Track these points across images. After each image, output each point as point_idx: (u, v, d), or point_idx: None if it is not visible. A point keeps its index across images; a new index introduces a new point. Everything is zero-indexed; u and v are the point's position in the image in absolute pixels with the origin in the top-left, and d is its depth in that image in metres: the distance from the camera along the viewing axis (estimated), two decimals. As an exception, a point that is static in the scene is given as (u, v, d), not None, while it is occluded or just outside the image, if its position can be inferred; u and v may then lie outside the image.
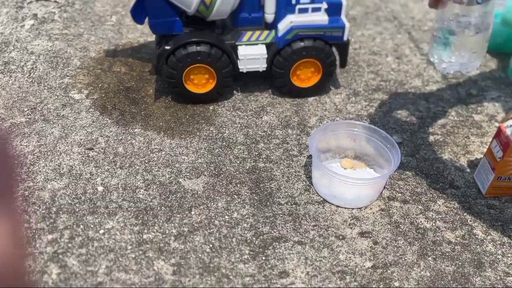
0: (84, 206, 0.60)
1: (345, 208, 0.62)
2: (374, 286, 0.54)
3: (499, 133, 0.61)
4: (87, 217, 0.59)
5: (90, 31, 0.94)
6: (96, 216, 0.59)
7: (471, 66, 0.63)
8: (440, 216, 0.62)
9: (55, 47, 0.89)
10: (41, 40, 0.91)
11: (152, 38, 0.91)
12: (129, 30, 0.95)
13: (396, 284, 0.54)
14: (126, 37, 0.93)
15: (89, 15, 0.99)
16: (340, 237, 0.59)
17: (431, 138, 0.74)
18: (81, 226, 0.58)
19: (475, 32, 0.60)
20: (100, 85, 0.81)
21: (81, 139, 0.70)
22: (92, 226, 0.58)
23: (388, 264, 0.56)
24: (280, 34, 0.73)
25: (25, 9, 0.99)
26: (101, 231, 0.57)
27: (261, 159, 0.69)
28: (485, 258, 0.57)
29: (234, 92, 0.81)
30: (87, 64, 0.85)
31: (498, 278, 0.55)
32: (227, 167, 0.67)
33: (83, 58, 0.87)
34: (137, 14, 0.73)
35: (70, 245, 0.56)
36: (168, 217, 0.60)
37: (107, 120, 0.74)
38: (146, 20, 0.73)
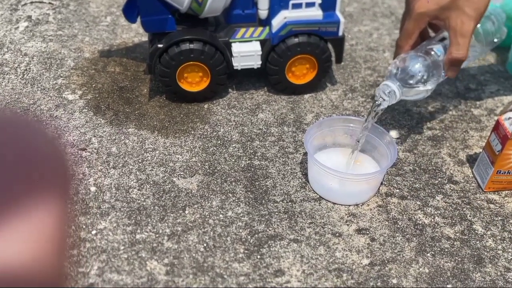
0: (76, 207, 0.59)
1: (341, 205, 0.61)
2: (371, 284, 0.53)
3: (497, 126, 0.60)
4: (79, 218, 0.58)
5: (84, 32, 0.93)
6: (88, 217, 0.58)
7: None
8: (439, 212, 0.61)
9: (49, 48, 0.88)
10: (35, 41, 0.90)
11: (146, 38, 0.90)
12: (123, 30, 0.94)
13: (394, 281, 0.53)
14: (120, 37, 0.92)
15: (84, 16, 0.98)
16: (337, 234, 0.58)
17: (429, 133, 0.73)
18: (73, 227, 0.57)
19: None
20: (94, 85, 0.80)
21: (74, 140, 0.69)
22: (84, 226, 0.57)
23: (386, 261, 0.55)
24: (274, 30, 0.72)
25: (19, 11, 0.99)
26: (93, 232, 0.57)
27: (256, 157, 0.68)
28: (485, 253, 0.56)
29: (229, 90, 0.80)
30: (81, 64, 0.85)
31: (498, 273, 0.54)
32: (222, 166, 0.66)
33: (77, 59, 0.86)
34: (129, 12, 0.72)
35: (61, 246, 0.55)
36: (161, 217, 0.59)
37: (100, 120, 0.73)
38: (139, 19, 0.72)
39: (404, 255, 0.56)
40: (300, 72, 0.77)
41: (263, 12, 0.71)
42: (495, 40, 0.70)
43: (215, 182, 0.64)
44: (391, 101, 0.61)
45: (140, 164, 0.66)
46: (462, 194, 0.63)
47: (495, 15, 0.69)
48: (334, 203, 0.61)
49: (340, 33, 0.74)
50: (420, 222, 0.60)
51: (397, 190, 0.64)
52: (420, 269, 0.54)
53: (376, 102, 0.61)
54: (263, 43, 0.74)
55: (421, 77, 0.60)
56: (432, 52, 0.63)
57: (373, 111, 0.62)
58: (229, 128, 0.72)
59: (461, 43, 0.60)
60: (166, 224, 0.58)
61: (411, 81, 0.61)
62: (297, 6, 0.71)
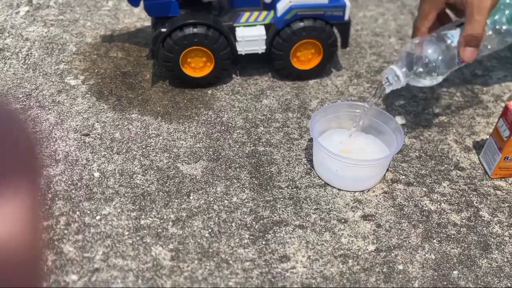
0: (80, 192, 0.59)
1: (347, 191, 0.61)
2: (377, 270, 0.52)
3: (505, 112, 0.59)
4: (84, 203, 0.58)
5: (86, 17, 0.92)
6: (92, 202, 0.58)
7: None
8: (445, 198, 0.61)
9: (50, 33, 0.87)
10: (36, 26, 0.89)
11: (149, 23, 0.89)
12: (125, 15, 0.93)
13: (400, 267, 0.53)
14: (122, 22, 0.91)
15: (85, 1, 0.97)
16: (342, 220, 0.57)
17: (436, 119, 0.72)
18: (77, 213, 0.57)
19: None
20: (96, 70, 0.79)
21: (77, 125, 0.69)
22: (88, 212, 0.57)
23: (392, 247, 0.55)
24: (279, 14, 0.71)
25: (20, -5, 0.97)
26: (98, 217, 0.56)
27: (261, 143, 0.67)
28: (492, 240, 0.56)
29: (233, 75, 0.79)
30: (83, 49, 0.84)
31: (505, 260, 0.54)
32: (226, 152, 0.66)
33: (79, 44, 0.85)
34: (132, -4, 0.71)
35: (66, 231, 0.54)
36: (166, 202, 0.58)
37: (103, 106, 0.72)
38: (142, 3, 0.71)
39: (410, 241, 0.55)
40: (305, 57, 0.76)
41: (268, -4, 0.70)
42: None
43: (220, 168, 0.63)
44: (395, 86, 0.60)
45: (143, 150, 0.65)
46: (468, 181, 0.63)
47: None
48: (339, 189, 0.61)
49: (346, 18, 0.73)
50: (426, 208, 0.59)
51: (403, 177, 0.63)
52: (426, 255, 0.54)
53: (383, 85, 0.60)
54: (267, 27, 0.73)
55: (431, 65, 0.59)
56: (449, 41, 0.60)
57: (377, 94, 0.61)
58: (233, 114, 0.72)
59: (477, 20, 0.57)
60: (170, 210, 0.58)
61: (421, 69, 0.59)
62: (303, -11, 0.69)
